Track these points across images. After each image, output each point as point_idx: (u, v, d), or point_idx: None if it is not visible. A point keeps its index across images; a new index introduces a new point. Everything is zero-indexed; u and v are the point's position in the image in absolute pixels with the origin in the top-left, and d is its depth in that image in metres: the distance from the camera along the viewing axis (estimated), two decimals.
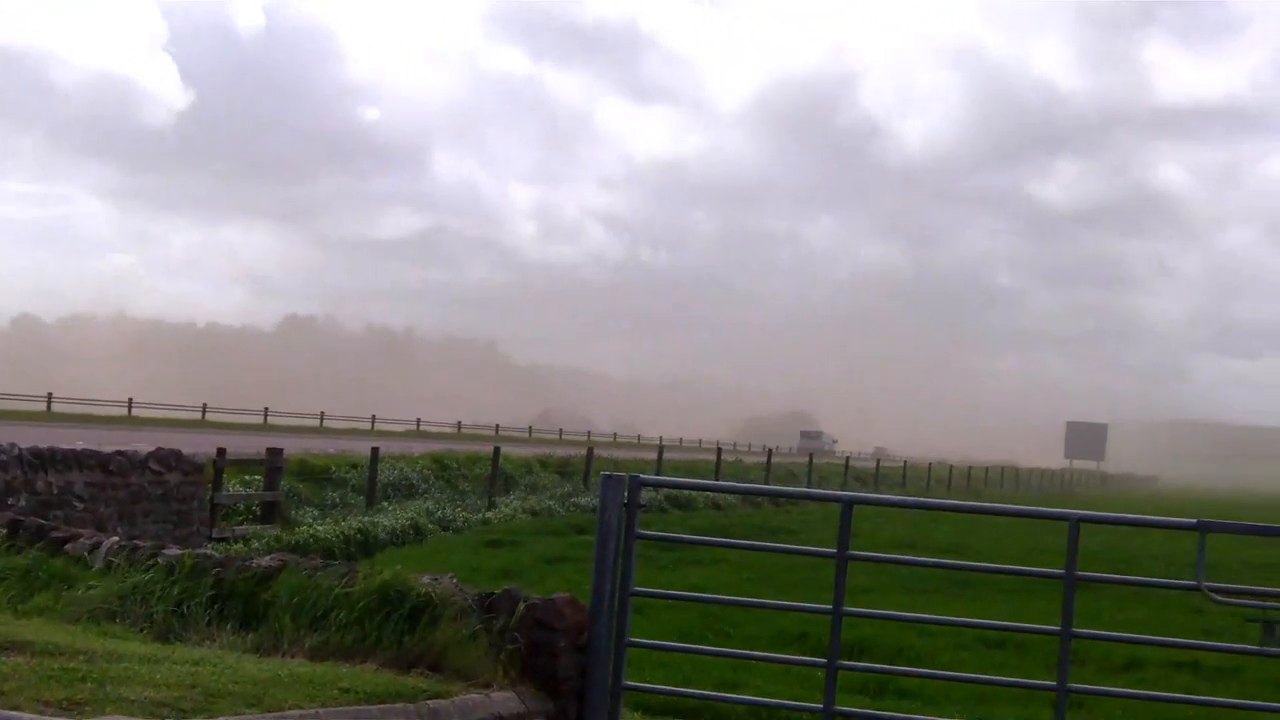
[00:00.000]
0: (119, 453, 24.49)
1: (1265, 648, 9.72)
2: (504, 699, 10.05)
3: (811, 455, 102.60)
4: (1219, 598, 9.98)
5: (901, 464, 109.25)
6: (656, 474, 49.20)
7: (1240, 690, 16.58)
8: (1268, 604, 9.78)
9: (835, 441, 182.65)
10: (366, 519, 32.72)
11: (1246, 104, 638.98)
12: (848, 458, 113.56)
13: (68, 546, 12.50)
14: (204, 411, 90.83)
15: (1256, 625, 9.71)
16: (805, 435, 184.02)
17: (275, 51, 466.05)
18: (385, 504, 36.53)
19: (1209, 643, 15.04)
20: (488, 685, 10.14)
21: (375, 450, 38.30)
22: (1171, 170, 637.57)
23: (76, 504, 22.97)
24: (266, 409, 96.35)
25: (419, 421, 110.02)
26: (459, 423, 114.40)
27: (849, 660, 12.70)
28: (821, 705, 10.50)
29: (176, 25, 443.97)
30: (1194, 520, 9.93)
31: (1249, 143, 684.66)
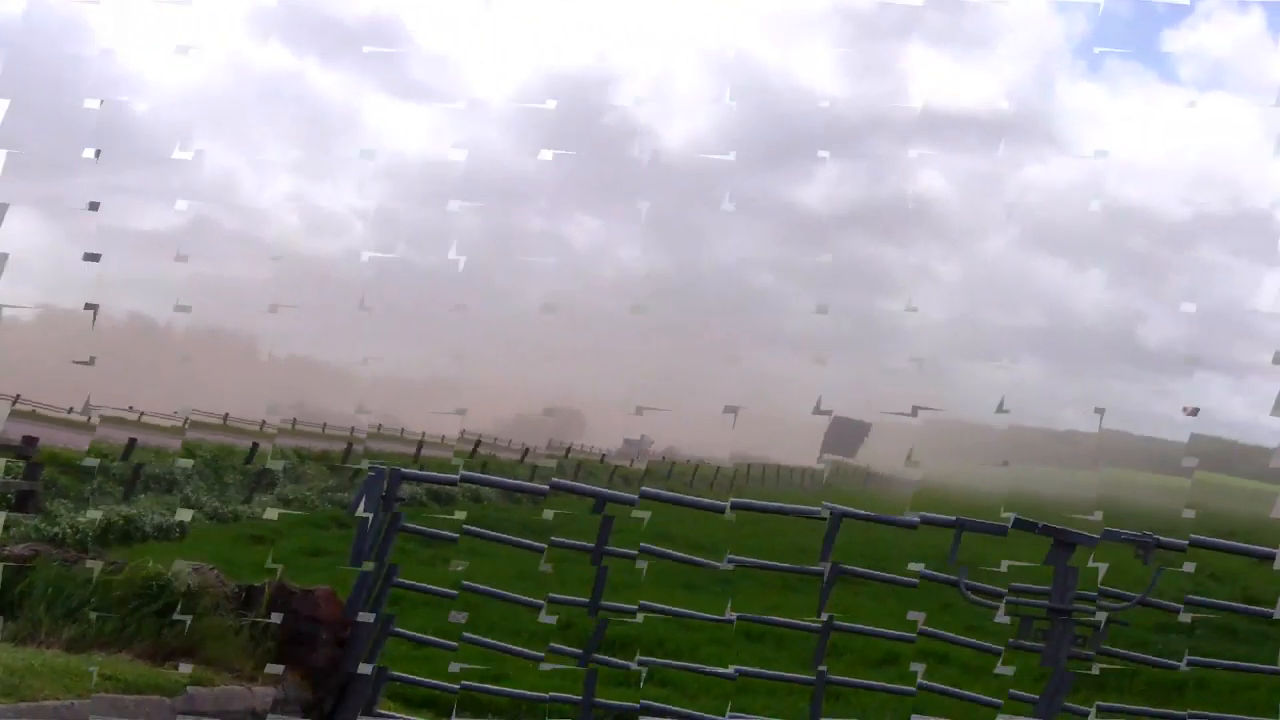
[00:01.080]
0: None
1: (1021, 641, 10.02)
2: (263, 690, 10.03)
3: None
4: (974, 597, 10.26)
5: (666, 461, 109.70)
6: (418, 469, 49.07)
7: (997, 684, 17.01)
8: (1022, 600, 10.06)
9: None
10: (127, 510, 32.13)
11: (1004, 112, 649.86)
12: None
13: None
14: None
15: (1013, 620, 10.00)
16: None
17: (34, 40, 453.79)
18: (145, 496, 35.89)
19: (966, 638, 15.42)
20: (249, 677, 10.12)
21: (133, 441, 37.57)
22: (931, 177, 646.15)
23: None
24: (20, 396, 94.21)
25: (182, 415, 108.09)
26: (225, 415, 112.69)
27: (610, 653, 12.84)
28: (581, 697, 10.63)
29: None
30: (952, 518, 10.20)
31: (1007, 150, 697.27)
